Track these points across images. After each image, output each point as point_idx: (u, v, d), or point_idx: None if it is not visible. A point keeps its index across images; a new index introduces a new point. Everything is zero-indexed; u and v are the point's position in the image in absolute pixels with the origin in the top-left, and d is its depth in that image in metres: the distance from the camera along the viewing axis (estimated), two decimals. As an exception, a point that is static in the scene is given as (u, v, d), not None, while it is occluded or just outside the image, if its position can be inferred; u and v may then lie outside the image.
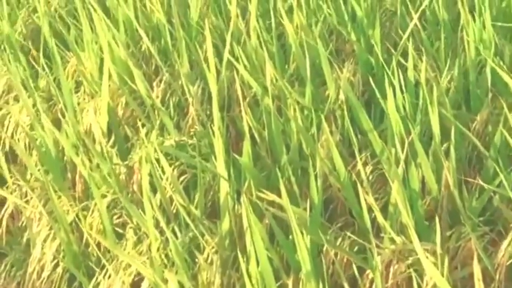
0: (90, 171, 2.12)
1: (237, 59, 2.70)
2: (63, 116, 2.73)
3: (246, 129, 2.10)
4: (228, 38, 2.61)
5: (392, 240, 1.85)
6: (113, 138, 2.51)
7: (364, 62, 2.68)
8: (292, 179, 2.05)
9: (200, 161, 2.06)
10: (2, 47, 3.01)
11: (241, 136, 2.60)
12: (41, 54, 2.85)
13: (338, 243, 1.92)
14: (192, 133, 2.50)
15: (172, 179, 2.03)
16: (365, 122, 2.16)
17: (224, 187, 2.01)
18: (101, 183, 2.21)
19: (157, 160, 2.33)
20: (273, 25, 2.71)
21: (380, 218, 1.84)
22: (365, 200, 2.01)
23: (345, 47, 2.93)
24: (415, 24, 2.88)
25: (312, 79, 2.62)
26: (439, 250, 1.74)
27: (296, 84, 2.69)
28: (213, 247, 1.91)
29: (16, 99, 2.82)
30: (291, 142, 2.27)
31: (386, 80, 2.22)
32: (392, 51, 2.65)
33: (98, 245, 2.07)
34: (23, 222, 2.25)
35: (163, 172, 2.28)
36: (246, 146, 2.09)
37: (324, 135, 2.30)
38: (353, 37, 2.76)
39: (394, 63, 2.35)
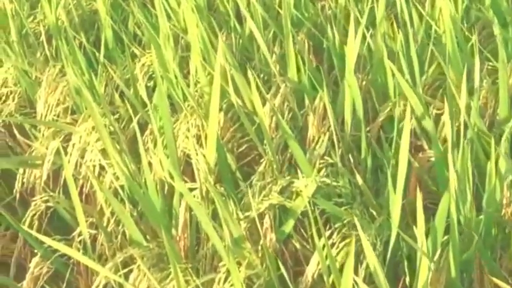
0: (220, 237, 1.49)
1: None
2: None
3: (452, 168, 1.46)
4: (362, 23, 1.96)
5: None
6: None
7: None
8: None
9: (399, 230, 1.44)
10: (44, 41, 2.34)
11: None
12: (101, 52, 2.19)
13: None
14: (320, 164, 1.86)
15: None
16: None
17: (424, 267, 1.40)
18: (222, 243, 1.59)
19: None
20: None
21: None
22: None
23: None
24: None
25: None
26: None
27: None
28: None
29: (74, 114, 2.16)
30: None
31: None
32: None
33: None
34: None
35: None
36: (446, 200, 1.47)
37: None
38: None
39: None
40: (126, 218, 1.67)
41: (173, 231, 1.72)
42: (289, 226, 1.65)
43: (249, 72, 1.87)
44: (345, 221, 1.58)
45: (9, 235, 2.12)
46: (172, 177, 1.77)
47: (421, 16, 2.17)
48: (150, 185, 1.69)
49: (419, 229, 1.40)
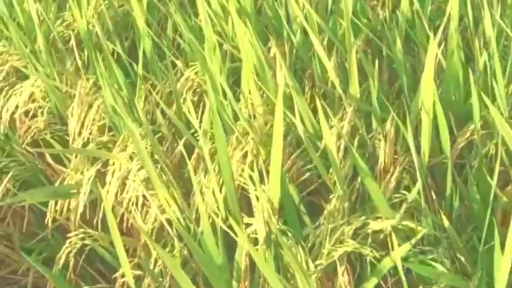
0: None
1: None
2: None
3: None
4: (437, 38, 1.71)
5: None
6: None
7: None
8: None
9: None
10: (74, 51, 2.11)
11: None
12: (140, 65, 1.96)
13: None
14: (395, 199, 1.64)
15: None
16: None
17: None
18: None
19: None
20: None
21: None
22: None
23: None
24: None
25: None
26: None
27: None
28: None
29: (111, 130, 1.93)
30: None
31: None
32: None
33: None
34: None
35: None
36: None
37: None
38: None
39: None
40: (176, 270, 1.45)
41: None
42: (371, 284, 1.43)
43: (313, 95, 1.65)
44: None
45: (41, 259, 2.00)
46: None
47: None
48: (207, 237, 1.47)
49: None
